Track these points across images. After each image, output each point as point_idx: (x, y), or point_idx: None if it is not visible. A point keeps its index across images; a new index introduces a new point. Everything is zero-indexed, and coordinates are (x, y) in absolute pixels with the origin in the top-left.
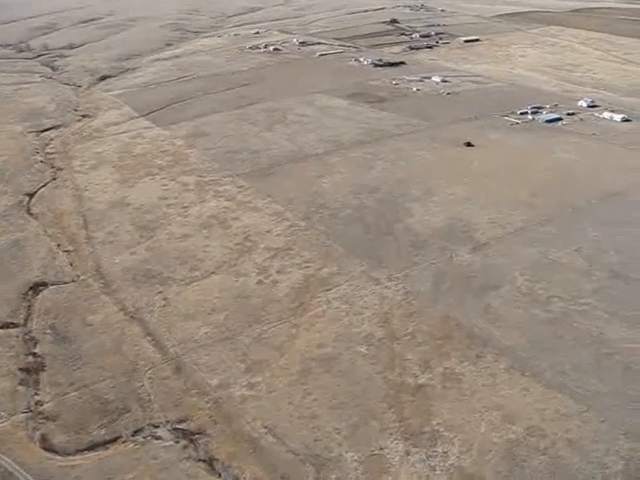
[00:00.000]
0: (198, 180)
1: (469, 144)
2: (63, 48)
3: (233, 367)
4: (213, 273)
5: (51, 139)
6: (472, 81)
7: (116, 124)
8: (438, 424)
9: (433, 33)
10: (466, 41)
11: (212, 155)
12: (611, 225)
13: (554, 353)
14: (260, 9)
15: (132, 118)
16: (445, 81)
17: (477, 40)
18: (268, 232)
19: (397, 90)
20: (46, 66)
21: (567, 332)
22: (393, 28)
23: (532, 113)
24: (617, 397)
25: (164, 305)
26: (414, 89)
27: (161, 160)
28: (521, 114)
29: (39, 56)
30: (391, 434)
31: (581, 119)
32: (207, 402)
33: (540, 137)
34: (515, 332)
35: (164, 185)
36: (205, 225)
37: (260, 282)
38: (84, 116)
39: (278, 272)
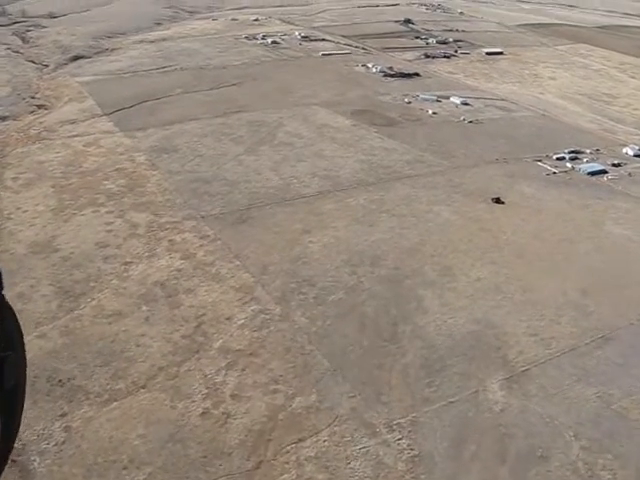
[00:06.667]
0: (152, 220)
1: (498, 200)
2: (42, 17)
3: None
4: (143, 387)
5: None
6: (497, 106)
7: (73, 122)
8: None
9: (451, 40)
10: (488, 53)
11: (177, 183)
12: None
13: None
14: None
15: (94, 116)
16: (466, 104)
17: (500, 53)
18: (229, 320)
19: (410, 111)
20: (17, 36)
21: None
22: (407, 29)
23: (571, 159)
24: None
25: (63, 441)
26: (429, 112)
27: (113, 183)
28: (557, 159)
29: (14, 23)
30: None
31: (629, 173)
32: None
33: (584, 197)
34: None
35: (108, 224)
36: (147, 298)
37: (206, 413)
38: (39, 107)
39: (233, 397)
